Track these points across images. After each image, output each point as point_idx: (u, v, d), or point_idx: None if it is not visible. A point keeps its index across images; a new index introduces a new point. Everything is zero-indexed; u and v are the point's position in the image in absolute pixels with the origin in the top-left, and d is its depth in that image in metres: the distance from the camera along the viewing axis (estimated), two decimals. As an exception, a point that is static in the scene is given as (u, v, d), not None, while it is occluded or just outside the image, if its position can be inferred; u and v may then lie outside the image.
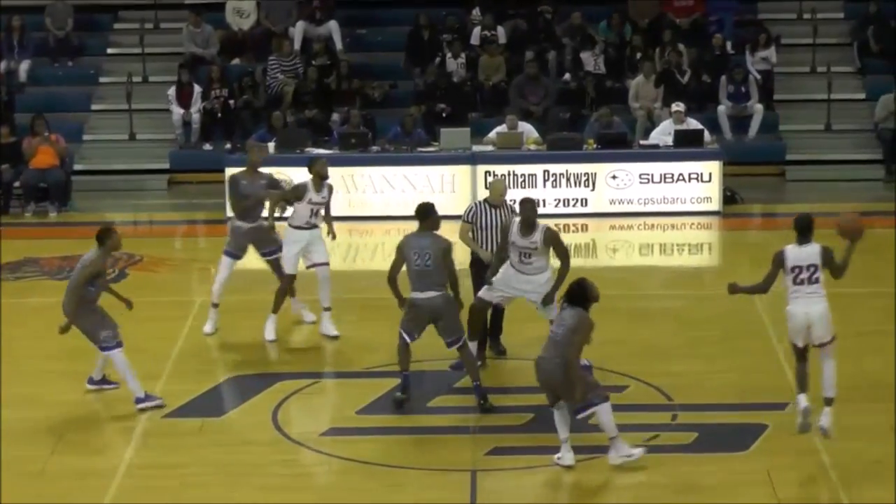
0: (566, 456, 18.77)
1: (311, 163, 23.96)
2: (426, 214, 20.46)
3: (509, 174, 29.94)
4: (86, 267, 20.05)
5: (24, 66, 34.57)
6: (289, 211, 24.03)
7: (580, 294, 18.97)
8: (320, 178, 23.42)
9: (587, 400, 18.73)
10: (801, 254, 19.05)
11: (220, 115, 33.55)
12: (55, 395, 22.06)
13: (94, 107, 34.53)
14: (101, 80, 35.11)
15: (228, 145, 31.80)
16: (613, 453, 18.67)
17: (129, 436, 20.87)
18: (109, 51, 35.81)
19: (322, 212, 23.61)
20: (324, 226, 23.86)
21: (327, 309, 23.73)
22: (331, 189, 23.73)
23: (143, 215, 32.04)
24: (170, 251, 29.90)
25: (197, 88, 33.41)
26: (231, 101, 33.47)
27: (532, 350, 19.99)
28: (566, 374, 18.70)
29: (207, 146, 32.95)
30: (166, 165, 33.12)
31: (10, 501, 18.32)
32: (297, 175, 28.92)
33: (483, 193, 27.36)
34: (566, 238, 26.99)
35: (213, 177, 31.13)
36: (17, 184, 31.58)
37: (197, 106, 33.36)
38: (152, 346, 23.89)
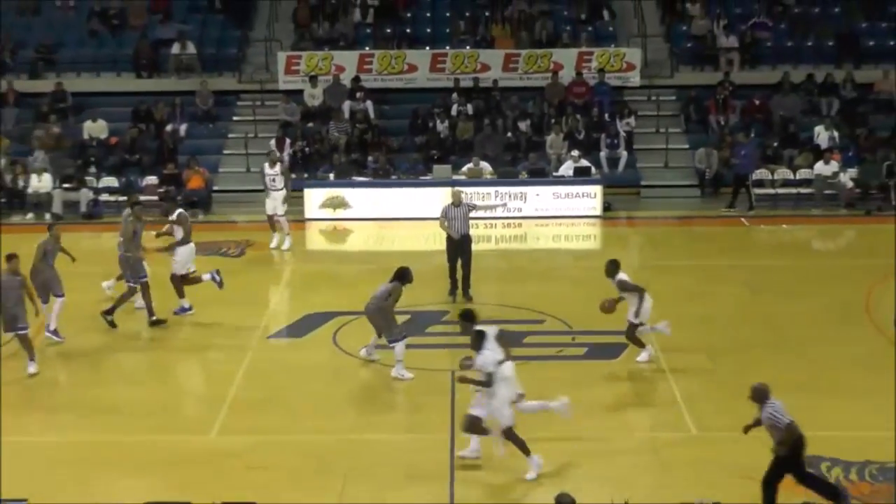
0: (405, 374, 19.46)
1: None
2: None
3: (474, 192, 28.62)
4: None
5: (182, 127, 34.85)
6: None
7: (400, 274, 19.87)
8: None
9: (394, 335, 19.56)
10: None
11: (301, 156, 33.84)
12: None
13: (224, 152, 34.82)
14: (230, 135, 35.36)
15: (306, 175, 32.70)
16: (395, 370, 19.54)
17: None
18: (234, 118, 36.04)
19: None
20: None
21: None
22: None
23: (252, 217, 30.87)
24: (267, 237, 28.78)
25: (287, 140, 33.76)
26: (307, 149, 33.93)
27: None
28: (381, 318, 19.61)
29: (293, 175, 32.33)
30: None
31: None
32: (351, 194, 30.50)
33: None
34: (509, 231, 28.55)
35: (297, 194, 31.01)
36: (178, 198, 30.76)
37: (287, 151, 33.52)
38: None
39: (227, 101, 36.43)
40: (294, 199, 31.30)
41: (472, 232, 24.08)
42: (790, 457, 14.55)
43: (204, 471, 16.55)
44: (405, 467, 16.48)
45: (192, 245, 23.50)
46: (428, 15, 38.18)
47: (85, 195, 31.93)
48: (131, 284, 22.63)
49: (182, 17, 38.17)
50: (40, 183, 31.81)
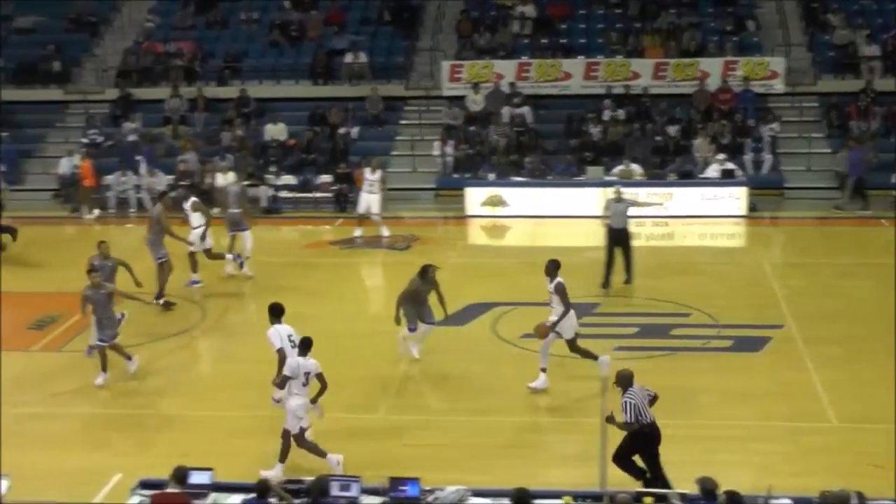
0: None
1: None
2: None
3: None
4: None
5: (354, 130, 35.00)
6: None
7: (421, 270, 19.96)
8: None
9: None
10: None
11: (463, 157, 33.72)
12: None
13: (392, 153, 34.83)
14: (397, 138, 35.42)
15: (467, 175, 32.73)
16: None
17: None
18: (402, 122, 36.08)
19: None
20: None
21: None
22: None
23: (418, 213, 31.68)
24: (433, 233, 30.01)
25: (450, 142, 33.83)
26: (470, 151, 33.88)
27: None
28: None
29: (456, 175, 33.21)
30: (433, 185, 33.56)
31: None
32: (509, 193, 30.63)
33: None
34: (657, 230, 28.33)
35: (457, 192, 31.80)
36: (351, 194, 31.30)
37: (451, 152, 33.73)
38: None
39: (395, 107, 36.54)
40: (455, 197, 31.67)
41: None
42: (638, 444, 14.54)
43: (372, 447, 16.70)
44: (556, 448, 16.43)
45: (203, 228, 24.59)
46: (582, 27, 37.95)
47: (265, 192, 32.40)
48: (162, 260, 23.45)
49: (355, 28, 38.47)
50: (226, 180, 32.26)
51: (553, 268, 18.86)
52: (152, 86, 37.17)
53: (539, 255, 26.57)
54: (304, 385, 15.87)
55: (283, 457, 15.82)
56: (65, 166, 33.73)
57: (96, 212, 32.37)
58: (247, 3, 39.72)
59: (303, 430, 15.86)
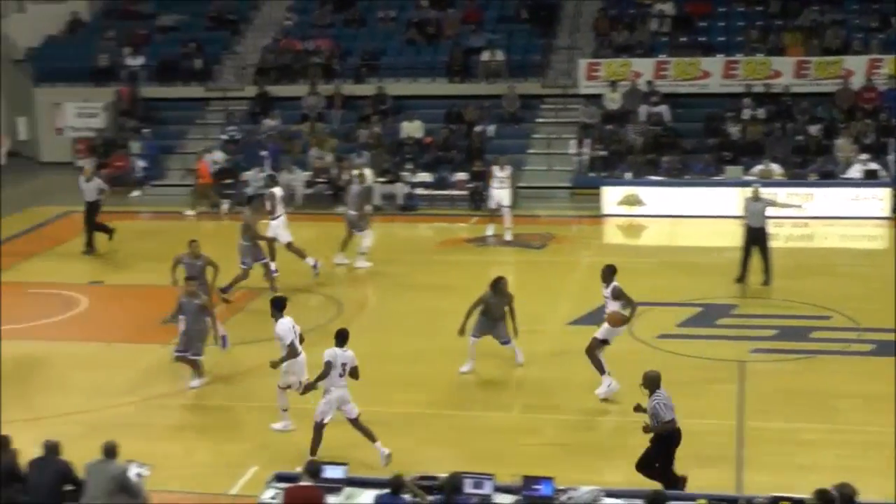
0: None
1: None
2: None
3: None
4: None
5: (490, 128, 34.89)
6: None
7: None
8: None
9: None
10: None
11: (599, 156, 33.42)
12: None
13: (528, 151, 34.73)
14: (533, 136, 35.27)
15: (604, 174, 32.50)
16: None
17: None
18: (538, 120, 35.89)
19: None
20: None
21: None
22: None
23: (553, 212, 31.54)
24: (568, 231, 29.87)
25: (587, 141, 33.56)
26: (606, 149, 33.42)
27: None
28: None
29: (592, 174, 33.01)
30: (569, 184, 33.34)
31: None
32: (645, 192, 30.41)
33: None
34: (796, 231, 27.87)
35: (593, 191, 31.58)
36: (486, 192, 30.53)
37: (587, 150, 33.50)
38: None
39: (532, 105, 36.39)
40: (591, 196, 31.48)
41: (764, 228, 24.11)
42: (662, 448, 14.25)
43: (505, 446, 16.73)
44: (692, 450, 16.21)
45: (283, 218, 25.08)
46: (722, 24, 37.47)
47: (401, 189, 32.57)
48: (245, 267, 23.54)
49: (492, 26, 38.48)
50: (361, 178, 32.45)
51: (609, 272, 18.61)
52: (290, 83, 37.50)
53: (676, 255, 26.77)
54: (341, 376, 16.14)
55: (316, 448, 16.15)
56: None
57: (224, 205, 32.69)
58: (385, 2, 39.96)
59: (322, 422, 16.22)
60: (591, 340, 18.40)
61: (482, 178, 32.02)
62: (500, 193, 28.53)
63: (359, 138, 34.66)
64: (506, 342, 19.62)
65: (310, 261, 25.19)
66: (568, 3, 39.15)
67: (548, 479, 13.40)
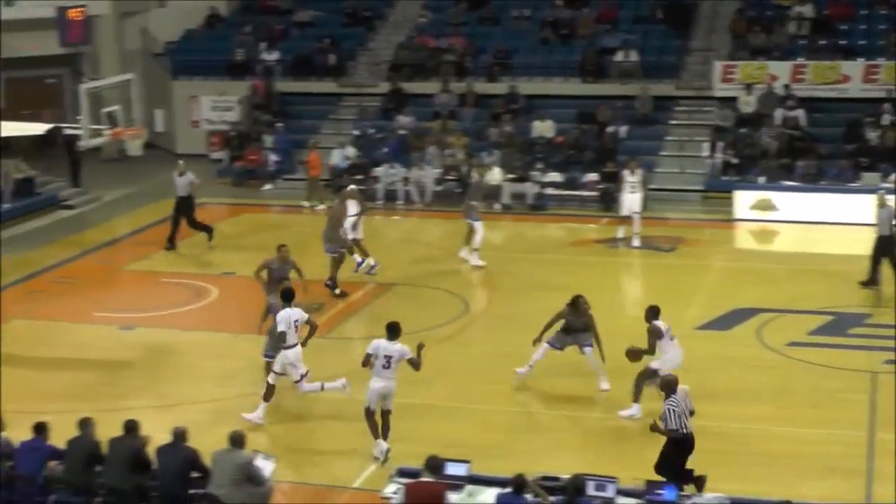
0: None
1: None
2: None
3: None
4: None
5: (623, 129, 34.56)
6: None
7: None
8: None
9: None
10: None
11: (730, 160, 32.85)
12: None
13: (661, 153, 34.40)
14: (666, 138, 34.79)
15: (736, 178, 31.94)
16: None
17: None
18: (671, 122, 35.45)
19: None
20: None
21: None
22: None
23: (684, 215, 31.08)
24: (699, 235, 29.38)
25: (720, 144, 33.07)
26: (739, 153, 32.81)
27: None
28: None
29: (724, 178, 32.38)
30: (701, 187, 32.82)
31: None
32: (779, 197, 29.96)
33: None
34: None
35: (726, 195, 31.04)
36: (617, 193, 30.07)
37: (720, 153, 32.92)
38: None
39: (665, 106, 36.03)
40: (723, 199, 31.11)
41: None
42: (674, 451, 14.29)
43: (629, 448, 16.71)
44: (820, 461, 15.98)
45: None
46: (864, 27, 36.70)
47: (531, 188, 32.49)
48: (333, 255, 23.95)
49: (627, 27, 38.22)
50: (492, 176, 32.55)
51: (651, 314, 17.98)
52: (423, 80, 37.65)
53: (809, 262, 26.33)
54: (385, 367, 16.40)
55: (375, 434, 16.62)
56: (336, 157, 34.59)
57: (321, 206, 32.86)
58: (519, 1, 39.92)
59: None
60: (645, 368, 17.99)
61: (613, 179, 31.76)
62: (631, 198, 28.18)
63: (490, 137, 34.67)
64: (586, 345, 19.14)
65: (357, 259, 25.04)
66: (704, 4, 38.72)
67: (671, 484, 13.30)
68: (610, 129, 34.60)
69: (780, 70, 34.94)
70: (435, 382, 19.41)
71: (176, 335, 22.21)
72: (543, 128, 34.93)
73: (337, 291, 23.99)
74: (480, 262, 25.80)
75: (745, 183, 31.68)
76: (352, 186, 26.23)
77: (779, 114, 33.83)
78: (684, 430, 14.63)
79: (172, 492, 13.94)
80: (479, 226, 25.92)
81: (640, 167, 29.12)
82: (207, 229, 28.58)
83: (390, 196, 33.21)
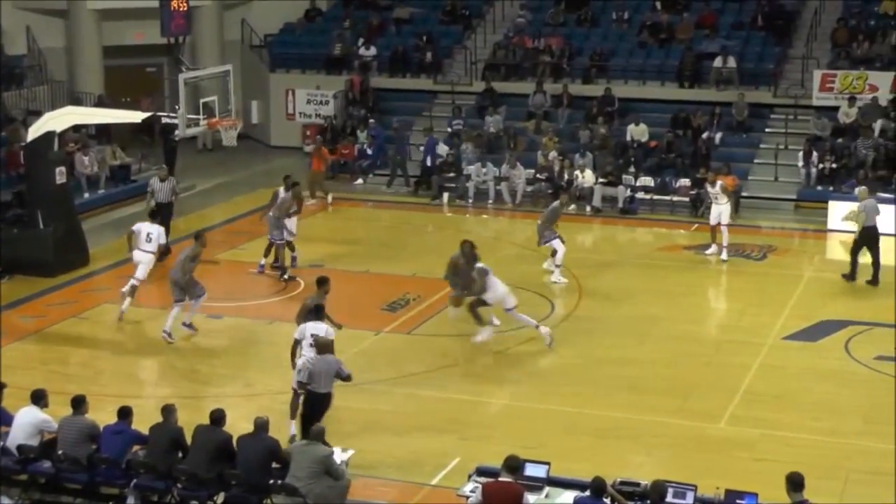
0: None
1: None
2: None
3: None
4: None
5: (718, 135, 34.26)
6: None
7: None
8: None
9: None
10: None
11: (828, 169, 32.26)
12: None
13: (755, 161, 33.91)
14: (761, 146, 34.42)
15: (831, 188, 31.61)
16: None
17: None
18: (767, 130, 34.99)
19: None
20: None
21: None
22: None
23: (776, 223, 30.65)
24: (790, 244, 29.05)
25: (815, 153, 32.47)
26: (836, 163, 32.19)
27: None
28: None
29: (819, 188, 31.92)
30: (794, 196, 32.35)
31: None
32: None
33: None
34: None
35: (820, 205, 30.69)
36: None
37: (815, 163, 32.35)
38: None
39: (762, 114, 35.57)
40: (817, 210, 30.81)
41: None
42: None
43: (711, 457, 16.53)
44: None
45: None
46: (969, 39, 36.05)
47: (622, 192, 32.28)
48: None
49: (726, 32, 37.82)
50: (583, 178, 32.40)
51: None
52: (518, 80, 37.58)
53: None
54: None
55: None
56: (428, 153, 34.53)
57: (445, 197, 32.88)
58: (618, 3, 39.71)
59: None
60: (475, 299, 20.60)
61: (705, 185, 31.49)
62: (718, 209, 27.53)
63: (583, 139, 34.51)
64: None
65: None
66: (806, 12, 38.23)
67: (752, 495, 13.16)
68: (705, 135, 34.28)
69: (881, 81, 34.33)
70: (519, 383, 19.48)
71: (263, 325, 22.38)
72: (637, 131, 34.69)
73: (285, 277, 24.89)
74: (563, 280, 25.28)
75: (839, 194, 31.13)
76: (297, 185, 26.38)
77: (878, 124, 33.27)
78: None
79: (253, 481, 14.04)
80: (557, 244, 25.20)
81: (724, 178, 28.36)
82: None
83: (481, 195, 33.15)
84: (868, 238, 25.40)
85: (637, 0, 40.07)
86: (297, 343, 17.05)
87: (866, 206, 25.59)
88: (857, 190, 26.94)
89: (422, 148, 34.62)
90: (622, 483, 13.53)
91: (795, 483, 12.67)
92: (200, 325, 21.86)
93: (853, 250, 25.57)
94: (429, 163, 33.92)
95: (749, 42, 37.52)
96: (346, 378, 16.39)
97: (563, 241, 25.17)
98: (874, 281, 25.06)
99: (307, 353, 16.72)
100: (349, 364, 18.54)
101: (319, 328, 17.05)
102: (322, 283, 18.66)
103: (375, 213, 32.22)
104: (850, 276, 25.33)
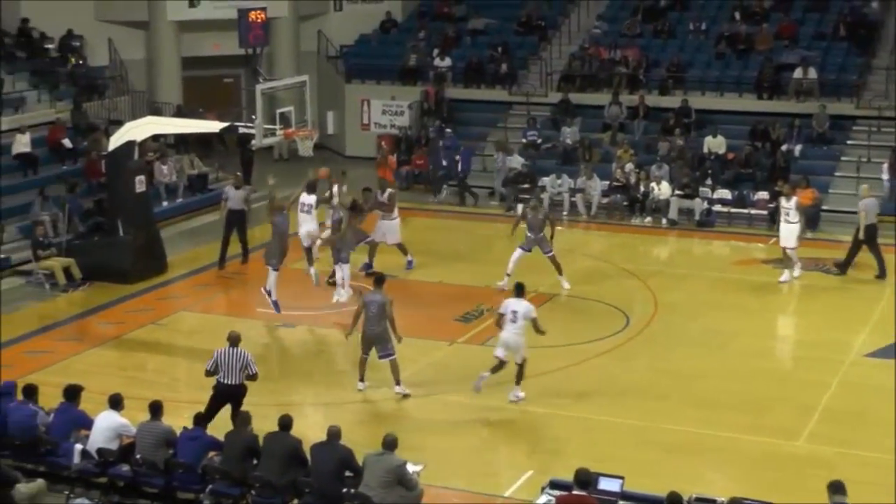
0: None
1: None
2: None
3: None
4: None
5: (797, 148, 33.92)
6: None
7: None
8: None
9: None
10: None
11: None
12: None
13: (836, 174, 33.49)
14: (843, 158, 33.95)
15: (914, 202, 31.31)
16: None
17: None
18: (849, 142, 34.54)
19: None
20: None
21: None
22: None
23: None
24: (870, 259, 26.90)
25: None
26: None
27: None
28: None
29: None
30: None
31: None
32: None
33: None
34: None
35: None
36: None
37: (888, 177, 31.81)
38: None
39: (843, 126, 35.14)
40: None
41: None
42: None
43: (788, 475, 16.40)
44: None
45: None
46: None
47: (699, 204, 32.08)
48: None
49: (807, 43, 37.51)
50: (660, 190, 32.27)
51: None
52: (594, 91, 37.52)
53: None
54: (513, 322, 18.58)
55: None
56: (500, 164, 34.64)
57: (519, 208, 32.68)
58: (696, 14, 39.55)
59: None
60: None
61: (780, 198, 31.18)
62: (787, 228, 26.37)
63: (659, 150, 34.37)
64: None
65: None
66: (890, 22, 37.81)
67: (830, 514, 12.98)
68: (784, 147, 33.95)
69: (969, 91, 33.96)
70: (593, 396, 19.40)
71: (336, 335, 22.37)
72: (715, 143, 34.47)
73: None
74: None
75: (921, 209, 30.77)
76: (390, 190, 27.29)
77: (964, 138, 32.87)
78: None
79: (326, 490, 14.13)
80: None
81: (802, 191, 28.03)
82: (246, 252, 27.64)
83: (555, 206, 33.05)
84: (869, 236, 26.24)
85: (715, 11, 39.90)
86: (501, 317, 18.77)
87: (867, 205, 26.45)
88: (860, 189, 27.90)
89: (498, 157, 34.62)
90: (698, 499, 13.44)
91: (836, 486, 12.74)
92: (273, 335, 22.03)
93: (852, 249, 26.52)
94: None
95: (830, 52, 37.16)
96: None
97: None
98: (882, 275, 25.98)
99: (509, 329, 18.60)
100: (420, 374, 18.69)
101: (521, 305, 18.64)
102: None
103: (448, 223, 32.28)
104: (843, 269, 26.41)
